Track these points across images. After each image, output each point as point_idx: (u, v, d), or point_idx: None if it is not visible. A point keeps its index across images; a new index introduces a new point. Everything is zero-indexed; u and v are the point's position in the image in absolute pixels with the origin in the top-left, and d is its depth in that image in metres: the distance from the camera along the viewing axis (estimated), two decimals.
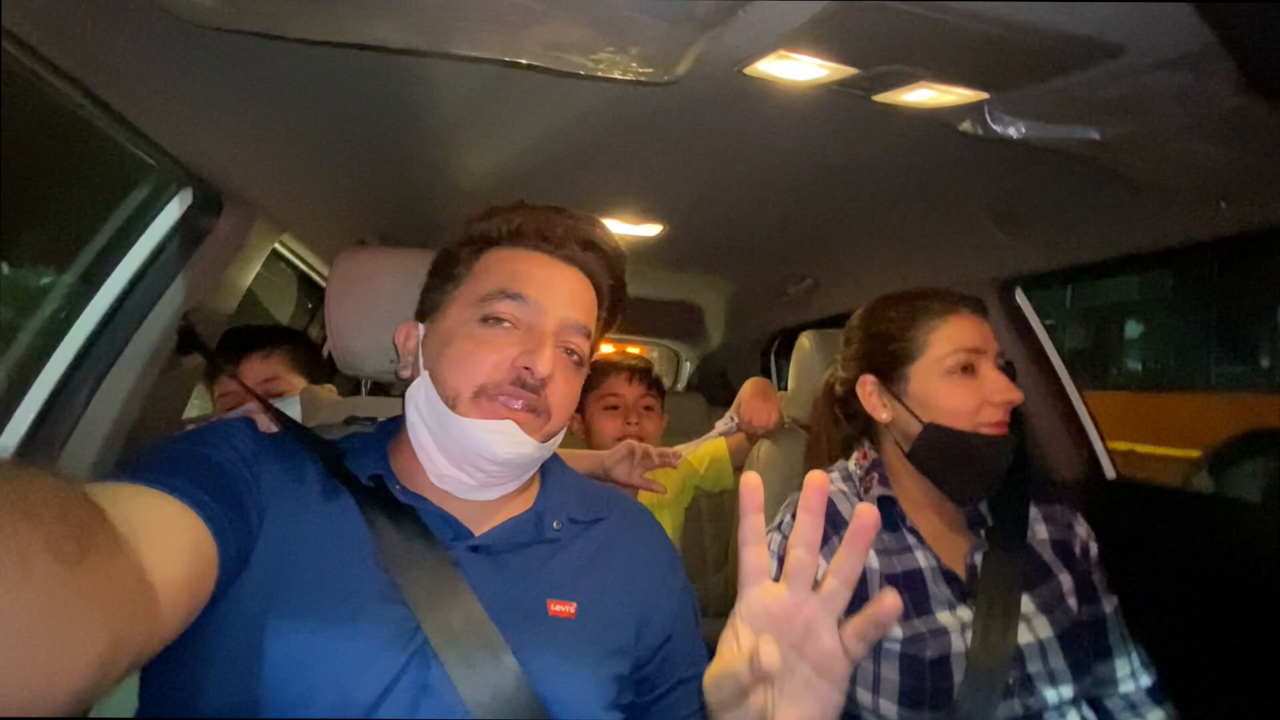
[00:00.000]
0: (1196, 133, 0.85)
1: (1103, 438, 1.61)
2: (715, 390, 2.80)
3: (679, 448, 1.54)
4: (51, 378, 1.20)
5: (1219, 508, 1.54)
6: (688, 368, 3.20)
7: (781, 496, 1.08)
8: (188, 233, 1.33)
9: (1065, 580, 0.98)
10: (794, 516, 0.62)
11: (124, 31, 0.86)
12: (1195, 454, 3.99)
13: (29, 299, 1.30)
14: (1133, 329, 5.77)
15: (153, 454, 0.62)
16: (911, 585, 0.94)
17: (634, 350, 3.19)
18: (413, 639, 0.62)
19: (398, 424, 0.76)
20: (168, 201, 1.31)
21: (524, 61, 0.80)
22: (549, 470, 0.81)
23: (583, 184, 1.38)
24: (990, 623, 0.90)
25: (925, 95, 0.86)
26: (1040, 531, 1.02)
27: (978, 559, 0.97)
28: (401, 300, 0.82)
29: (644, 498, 1.36)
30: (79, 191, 1.39)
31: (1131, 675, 1.00)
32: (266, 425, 0.75)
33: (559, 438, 0.75)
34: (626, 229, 1.65)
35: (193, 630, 0.55)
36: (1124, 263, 1.43)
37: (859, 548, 0.51)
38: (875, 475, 1.01)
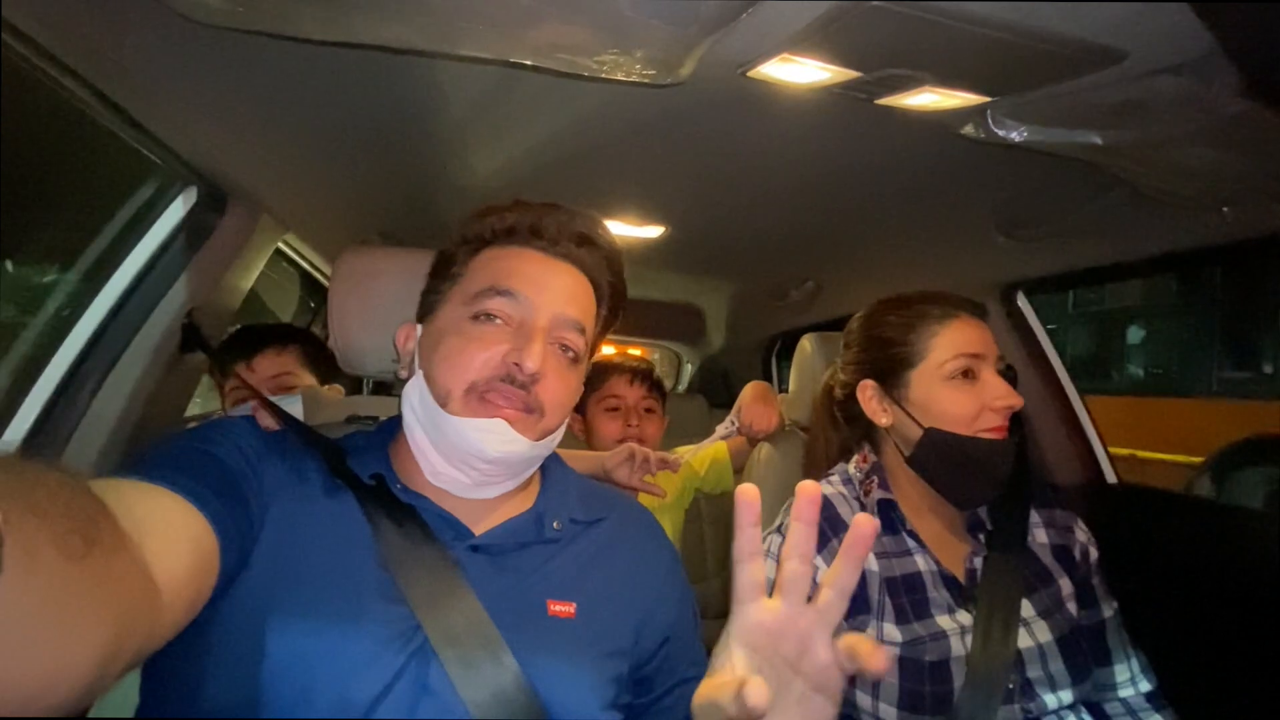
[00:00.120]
0: (1199, 138, 0.85)
1: (1104, 443, 1.61)
2: (716, 392, 2.80)
3: (680, 451, 1.55)
4: (56, 375, 1.20)
5: (1220, 513, 1.54)
6: (689, 369, 3.21)
7: (781, 499, 1.08)
8: (192, 231, 1.33)
9: (1065, 585, 0.98)
10: None
11: (130, 30, 0.86)
12: (1197, 460, 3.98)
13: (33, 297, 1.31)
14: (1135, 334, 5.77)
15: (156, 451, 0.63)
16: (911, 589, 0.94)
17: (635, 352, 3.19)
18: (413, 638, 0.62)
19: (399, 423, 0.76)
20: (172, 200, 1.32)
21: (528, 63, 0.80)
22: (549, 470, 0.81)
23: (585, 185, 1.38)
24: (990, 627, 0.90)
25: (928, 99, 0.86)
26: (1040, 536, 1.02)
27: (978, 563, 0.97)
28: (404, 300, 0.82)
29: (644, 500, 1.36)
30: (83, 189, 1.39)
31: (1131, 680, 1.00)
32: (268, 423, 0.75)
33: (555, 436, 0.75)
34: (629, 230, 1.66)
35: (194, 627, 0.55)
36: (1126, 268, 1.43)
37: (855, 558, 0.50)
38: (875, 479, 1.01)
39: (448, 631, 0.62)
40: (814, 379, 1.29)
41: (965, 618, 0.92)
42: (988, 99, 0.85)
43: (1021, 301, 1.62)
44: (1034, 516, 1.03)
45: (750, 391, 1.50)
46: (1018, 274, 1.55)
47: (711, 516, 2.09)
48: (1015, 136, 0.90)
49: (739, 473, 1.60)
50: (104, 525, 0.42)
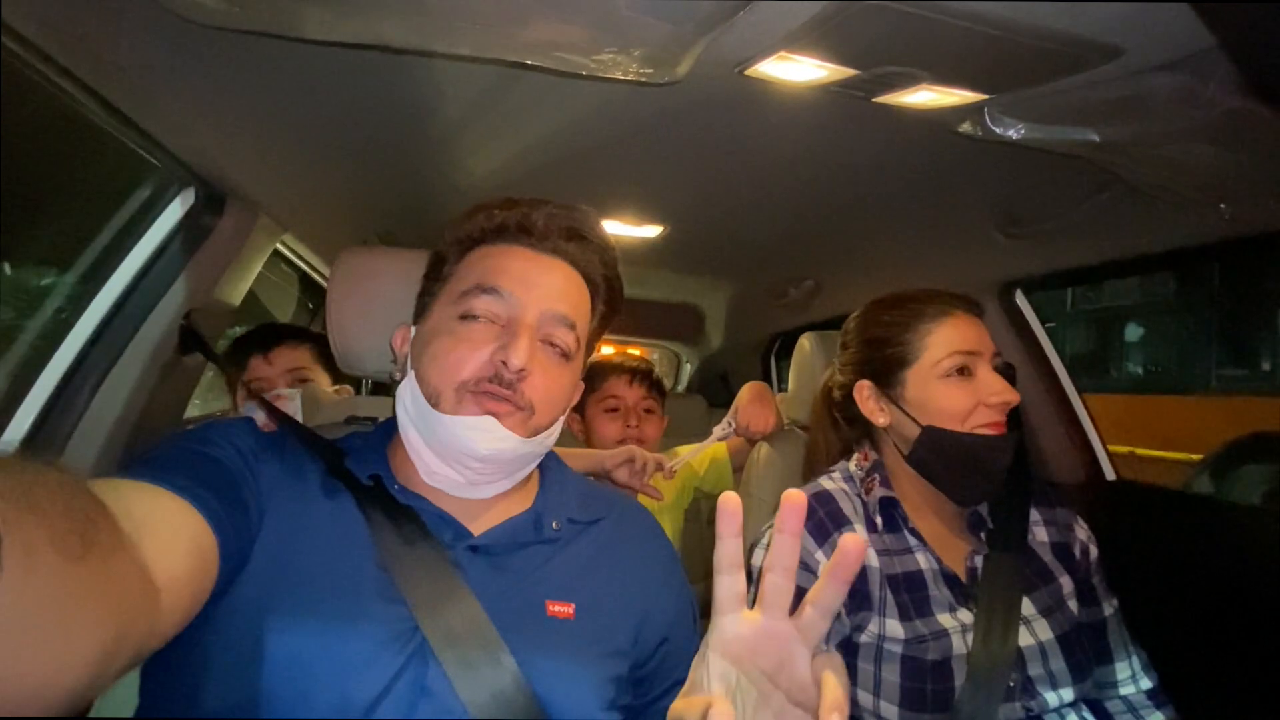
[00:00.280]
0: (1196, 135, 0.85)
1: (1103, 440, 1.61)
2: (716, 392, 2.80)
3: (679, 451, 1.54)
4: (55, 376, 1.20)
5: (1220, 510, 1.54)
6: (688, 369, 3.21)
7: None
8: (190, 232, 1.33)
9: (1066, 583, 0.98)
10: None
11: (127, 31, 0.86)
12: (1196, 457, 3.99)
13: (32, 298, 1.31)
14: (1133, 332, 5.78)
15: (155, 452, 0.63)
16: (912, 586, 0.94)
17: (635, 352, 3.19)
18: (411, 639, 0.62)
19: (396, 424, 0.76)
20: (170, 201, 1.32)
21: (525, 62, 0.80)
22: (548, 470, 0.81)
23: (583, 184, 1.38)
24: (991, 625, 0.90)
25: (925, 97, 0.86)
26: (1041, 534, 1.02)
27: (978, 562, 0.97)
28: (402, 300, 0.82)
29: (643, 500, 1.36)
30: (81, 191, 1.39)
31: (1132, 678, 1.00)
32: (266, 424, 0.75)
33: (550, 435, 0.74)
34: (627, 230, 1.66)
35: (193, 628, 0.55)
36: (1125, 265, 1.43)
37: (841, 580, 0.47)
38: (876, 477, 1.01)
39: (446, 632, 0.62)
40: (813, 378, 1.29)
41: (966, 616, 0.92)
42: (985, 96, 0.85)
43: (1020, 299, 1.62)
44: (1034, 515, 1.03)
45: (747, 392, 1.50)
46: (1016, 272, 1.55)
47: (711, 516, 2.08)
48: (1013, 134, 0.90)
49: (739, 472, 1.60)
50: (103, 526, 0.42)
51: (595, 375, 1.68)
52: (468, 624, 0.63)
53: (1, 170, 1.00)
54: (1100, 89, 0.79)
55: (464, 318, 0.70)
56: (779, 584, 0.49)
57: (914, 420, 0.98)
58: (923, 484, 1.00)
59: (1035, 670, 0.91)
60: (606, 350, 2.93)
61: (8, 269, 1.36)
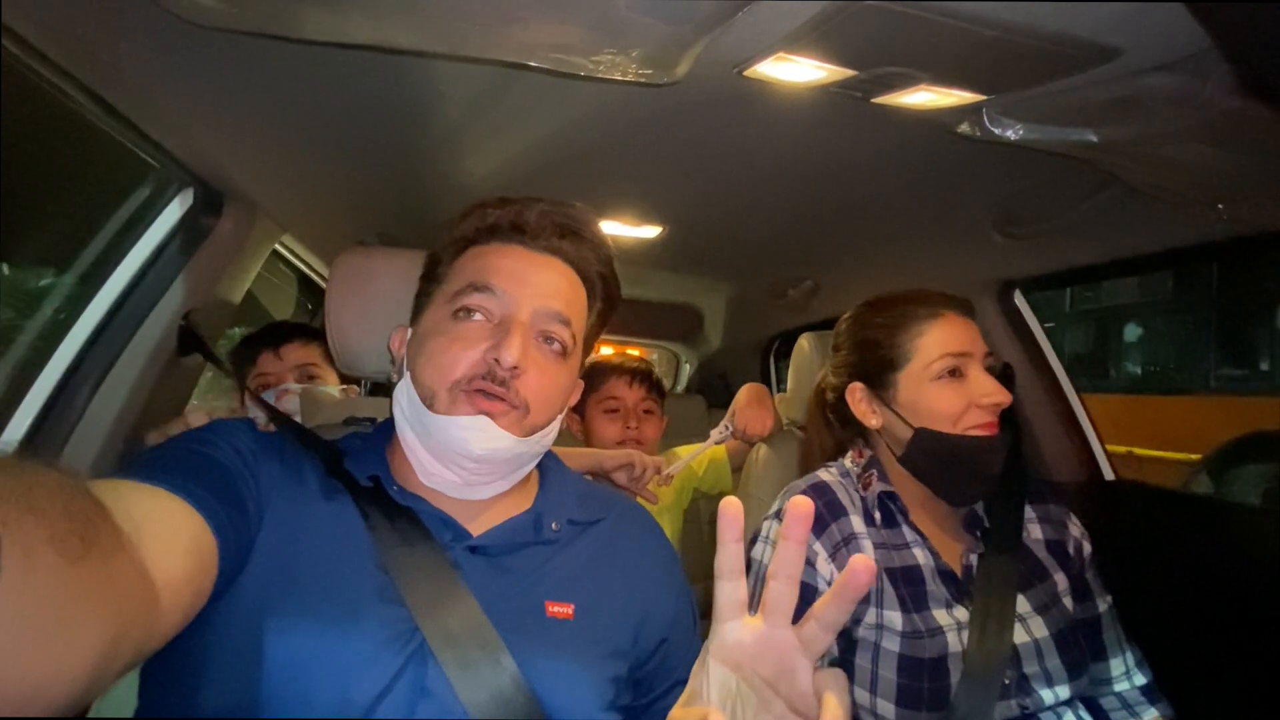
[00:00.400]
0: (1195, 135, 0.85)
1: (1101, 440, 1.61)
2: (715, 392, 2.80)
3: (678, 454, 1.54)
4: (54, 377, 1.20)
5: (1217, 510, 1.54)
6: (687, 369, 3.21)
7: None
8: (188, 233, 1.33)
9: (1061, 580, 0.99)
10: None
11: (125, 32, 0.86)
12: (1194, 457, 3.99)
13: (31, 299, 1.31)
14: (1132, 332, 5.78)
15: (154, 452, 0.63)
16: (910, 582, 0.94)
17: (634, 352, 3.19)
18: (411, 640, 0.62)
19: (394, 425, 0.76)
20: (169, 202, 1.32)
21: (524, 63, 0.81)
22: (547, 470, 0.81)
23: (582, 185, 1.38)
24: (986, 623, 0.90)
25: (924, 97, 0.86)
26: (1035, 532, 1.02)
27: (973, 560, 0.97)
28: (401, 301, 0.82)
29: (643, 502, 1.36)
30: (80, 192, 1.39)
31: (1126, 675, 1.00)
32: (266, 425, 0.75)
33: (547, 434, 0.74)
34: (626, 230, 1.66)
35: (192, 628, 0.55)
36: (1123, 265, 1.43)
37: (848, 599, 0.47)
38: (874, 472, 1.02)
39: (446, 633, 0.62)
40: (812, 378, 1.29)
41: (962, 613, 0.93)
42: (983, 97, 0.85)
43: (1019, 299, 1.62)
44: (1029, 512, 1.04)
45: (745, 395, 1.50)
46: (1015, 272, 1.55)
47: (711, 517, 2.09)
48: (1011, 134, 0.90)
49: (737, 472, 1.60)
50: (102, 526, 0.42)
51: (595, 376, 1.68)
52: (467, 625, 0.63)
53: (1, 170, 1.00)
54: (1099, 89, 0.79)
55: (457, 317, 0.70)
56: (782, 591, 0.49)
57: (906, 422, 0.98)
58: (916, 484, 1.00)
59: (1030, 668, 0.91)
60: (606, 351, 2.93)
61: (7, 269, 1.36)
